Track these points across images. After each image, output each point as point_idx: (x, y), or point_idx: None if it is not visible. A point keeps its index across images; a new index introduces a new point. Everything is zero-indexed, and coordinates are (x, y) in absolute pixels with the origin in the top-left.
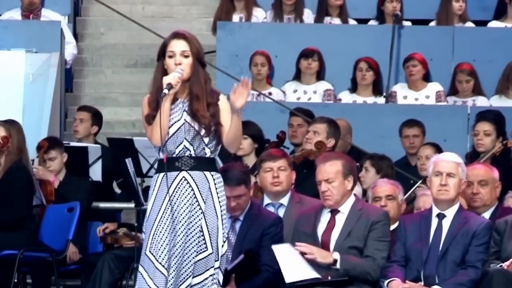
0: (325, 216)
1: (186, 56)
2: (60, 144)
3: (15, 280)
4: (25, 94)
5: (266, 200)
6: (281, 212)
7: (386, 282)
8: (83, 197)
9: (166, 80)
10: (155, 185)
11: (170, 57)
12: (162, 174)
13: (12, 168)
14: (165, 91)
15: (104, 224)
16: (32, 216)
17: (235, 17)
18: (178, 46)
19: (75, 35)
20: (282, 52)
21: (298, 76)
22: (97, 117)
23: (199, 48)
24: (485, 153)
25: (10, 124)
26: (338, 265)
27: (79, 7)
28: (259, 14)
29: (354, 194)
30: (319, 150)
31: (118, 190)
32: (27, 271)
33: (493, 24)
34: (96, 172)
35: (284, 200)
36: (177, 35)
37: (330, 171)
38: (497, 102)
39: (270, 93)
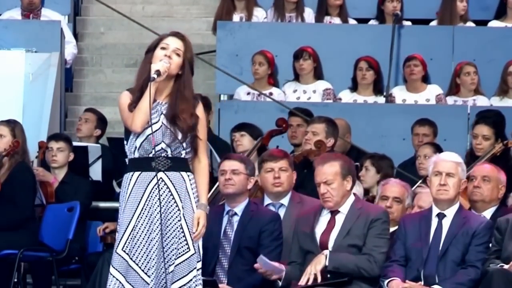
0: (325, 216)
1: (178, 55)
2: (70, 141)
3: (15, 280)
4: (25, 94)
5: (267, 200)
6: (281, 212)
7: (386, 281)
8: (83, 197)
9: (154, 66)
10: (128, 184)
11: (163, 48)
12: (137, 173)
13: (17, 169)
14: (154, 75)
15: (104, 223)
16: (33, 216)
17: (236, 17)
18: (174, 42)
19: (75, 35)
20: (282, 52)
21: (297, 77)
22: (102, 121)
23: (193, 55)
24: (485, 153)
25: (14, 124)
26: (326, 262)
27: (79, 6)
28: (260, 14)
29: (354, 194)
30: (319, 149)
31: (118, 190)
32: (27, 270)
33: (493, 24)
34: (96, 172)
35: (285, 201)
36: (177, 34)
37: (328, 172)
38: (497, 102)
39: (271, 93)
